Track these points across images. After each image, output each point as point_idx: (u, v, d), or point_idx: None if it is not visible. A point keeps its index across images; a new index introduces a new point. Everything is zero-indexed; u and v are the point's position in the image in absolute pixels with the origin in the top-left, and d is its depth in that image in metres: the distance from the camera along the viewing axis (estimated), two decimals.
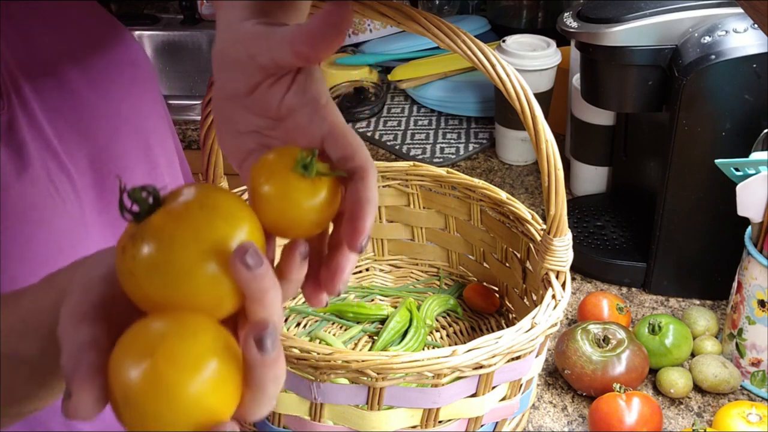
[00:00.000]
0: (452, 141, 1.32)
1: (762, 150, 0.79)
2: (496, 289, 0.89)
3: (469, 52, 0.54)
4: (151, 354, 0.31)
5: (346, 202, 0.39)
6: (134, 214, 0.34)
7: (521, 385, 0.67)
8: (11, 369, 0.41)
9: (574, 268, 0.97)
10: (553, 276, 0.67)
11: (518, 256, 0.81)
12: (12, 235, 0.54)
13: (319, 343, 0.80)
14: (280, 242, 0.39)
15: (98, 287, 0.35)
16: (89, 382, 0.32)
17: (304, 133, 0.41)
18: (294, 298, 0.91)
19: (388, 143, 1.32)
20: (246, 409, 0.34)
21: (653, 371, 0.82)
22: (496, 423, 0.69)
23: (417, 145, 1.31)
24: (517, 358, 0.63)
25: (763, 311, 0.77)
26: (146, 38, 1.84)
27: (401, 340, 0.83)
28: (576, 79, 1.05)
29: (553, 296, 0.65)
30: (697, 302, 0.93)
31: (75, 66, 0.62)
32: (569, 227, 0.65)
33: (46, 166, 0.57)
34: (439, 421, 0.64)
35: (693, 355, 0.84)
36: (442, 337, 0.87)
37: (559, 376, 0.83)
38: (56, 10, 0.63)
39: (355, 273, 0.96)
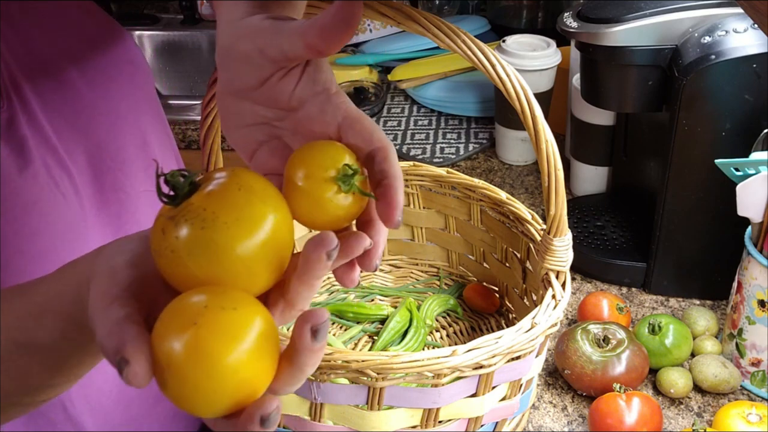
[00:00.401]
0: (452, 141, 1.32)
1: (762, 150, 0.79)
2: (496, 289, 0.89)
3: (469, 52, 0.54)
4: (193, 323, 0.33)
5: (374, 182, 0.41)
6: (171, 197, 0.36)
7: (521, 385, 0.67)
8: (28, 356, 0.42)
9: (574, 268, 0.97)
10: (553, 276, 0.67)
11: (518, 256, 0.81)
12: (15, 229, 0.55)
13: None
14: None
15: (124, 271, 0.37)
16: (141, 348, 0.33)
17: (318, 122, 0.42)
18: None
19: None
20: (280, 384, 0.36)
21: (653, 371, 0.82)
22: (496, 423, 0.69)
23: (417, 145, 1.31)
24: (517, 358, 0.63)
25: (763, 311, 0.77)
26: (146, 38, 1.84)
27: (401, 340, 0.83)
28: (576, 79, 1.05)
29: (553, 296, 0.65)
30: (697, 302, 0.93)
31: (73, 65, 0.62)
32: (569, 227, 0.65)
33: (46, 162, 0.58)
34: (439, 421, 0.64)
35: (693, 355, 0.84)
36: (442, 337, 0.87)
37: (559, 376, 0.83)
38: (54, 10, 0.63)
39: None
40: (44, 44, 0.61)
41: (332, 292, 0.93)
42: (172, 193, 0.36)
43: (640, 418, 0.72)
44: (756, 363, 0.80)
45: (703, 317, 0.87)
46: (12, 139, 0.56)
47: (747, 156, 0.78)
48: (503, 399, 0.66)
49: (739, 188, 0.76)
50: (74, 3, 0.65)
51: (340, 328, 0.87)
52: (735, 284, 0.81)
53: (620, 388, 0.74)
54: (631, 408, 0.72)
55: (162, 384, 0.34)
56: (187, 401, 0.33)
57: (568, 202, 0.62)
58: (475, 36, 0.55)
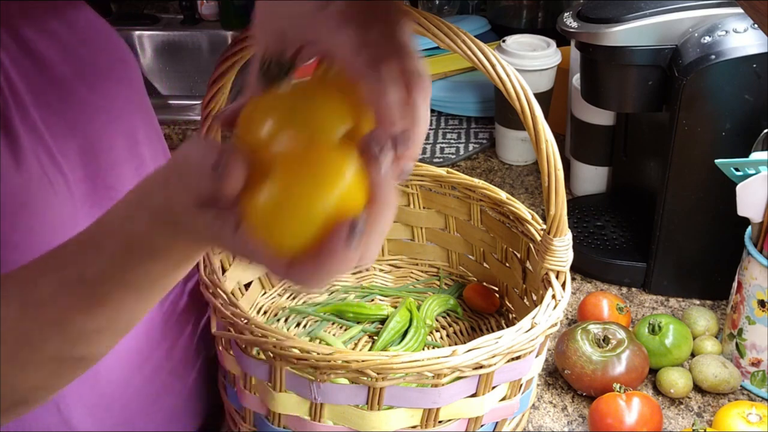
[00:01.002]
0: (452, 141, 1.32)
1: (762, 150, 0.79)
2: (496, 289, 0.89)
3: (469, 52, 0.54)
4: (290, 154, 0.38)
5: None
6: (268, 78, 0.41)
7: (521, 385, 0.67)
8: (73, 295, 0.44)
9: (574, 268, 0.97)
10: (553, 276, 0.67)
11: (518, 256, 0.81)
12: (10, 225, 0.55)
13: (319, 343, 0.81)
14: None
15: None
16: (237, 157, 0.37)
17: None
18: (294, 298, 0.91)
19: None
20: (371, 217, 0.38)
21: (653, 371, 0.82)
22: (496, 423, 0.69)
23: None
24: (517, 358, 0.63)
25: (763, 311, 0.77)
26: (146, 38, 1.84)
27: (401, 340, 0.83)
28: (576, 79, 1.05)
29: (553, 296, 0.65)
30: (697, 302, 0.93)
31: (66, 62, 0.63)
32: (569, 227, 0.65)
33: (39, 159, 0.58)
34: (439, 421, 0.64)
35: (693, 355, 0.84)
36: (442, 337, 0.87)
37: (559, 376, 0.83)
38: (49, 10, 0.63)
39: (354, 273, 0.96)
40: (36, 40, 0.61)
41: (332, 293, 0.93)
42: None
43: (640, 418, 0.72)
44: (756, 363, 0.80)
45: (703, 317, 0.87)
46: (6, 135, 0.56)
47: (747, 156, 0.78)
48: (503, 399, 0.66)
49: (739, 188, 0.76)
50: (68, 3, 0.65)
51: (340, 328, 0.87)
52: (735, 284, 0.81)
53: (620, 388, 0.74)
54: (631, 408, 0.72)
55: (257, 206, 0.37)
56: (278, 226, 0.36)
57: (568, 202, 0.62)
58: (475, 36, 0.55)
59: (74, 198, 0.62)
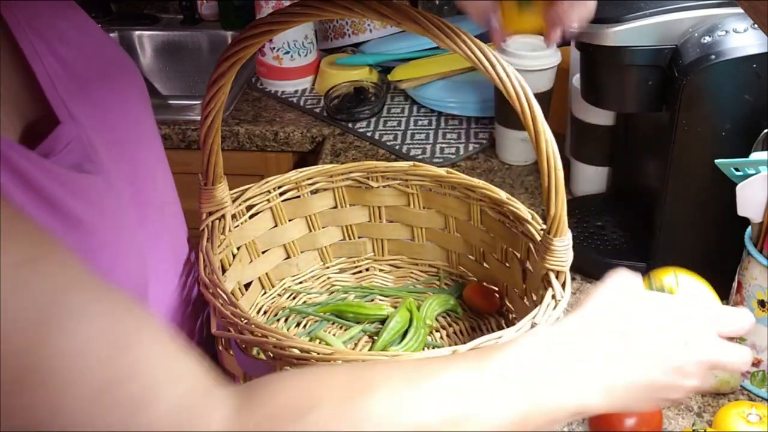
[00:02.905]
0: (452, 141, 1.32)
1: (762, 150, 0.79)
2: (496, 289, 0.89)
3: (469, 52, 0.54)
4: None
5: None
6: None
7: None
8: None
9: (574, 268, 0.96)
10: (553, 276, 0.67)
11: (518, 256, 0.81)
12: (107, 257, 0.55)
13: (319, 343, 0.80)
14: None
15: None
16: None
17: None
18: (294, 298, 0.91)
19: (388, 143, 1.32)
20: None
21: None
22: None
23: (417, 145, 1.31)
24: None
25: (763, 311, 0.77)
26: (146, 38, 1.84)
27: (401, 340, 0.83)
28: (576, 79, 1.05)
29: (553, 296, 0.65)
30: None
31: (85, 64, 0.62)
32: (569, 227, 0.65)
33: (107, 179, 0.58)
34: None
35: None
36: (442, 337, 0.87)
37: None
38: (56, 12, 0.63)
39: (354, 273, 0.96)
40: (77, 62, 0.61)
41: (332, 292, 0.93)
42: None
43: (640, 419, 0.72)
44: (756, 363, 0.80)
45: None
46: (89, 161, 0.56)
47: (747, 156, 0.78)
48: None
49: (739, 188, 0.76)
50: (71, 10, 0.65)
51: (340, 328, 0.87)
52: (735, 284, 0.81)
53: None
54: None
55: None
56: None
57: (568, 202, 0.62)
58: (475, 36, 0.55)
59: (131, 217, 0.62)
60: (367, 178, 0.89)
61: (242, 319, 0.62)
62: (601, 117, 1.05)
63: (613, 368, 0.51)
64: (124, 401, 0.40)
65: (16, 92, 0.56)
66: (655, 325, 0.53)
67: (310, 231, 0.91)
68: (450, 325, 0.88)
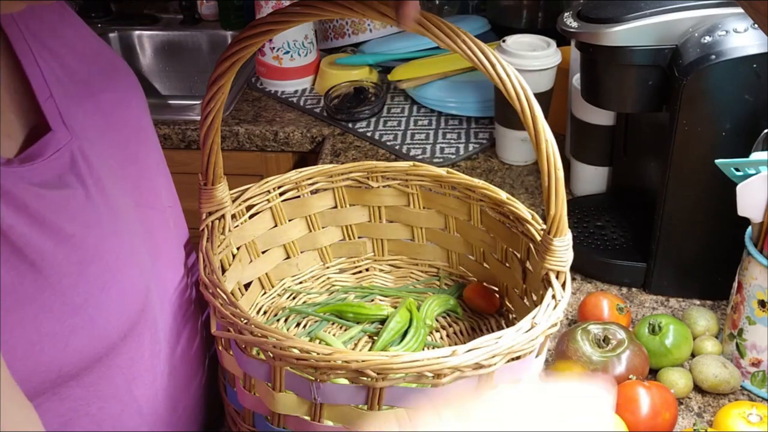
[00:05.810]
0: (452, 141, 1.32)
1: (762, 150, 0.79)
2: (496, 289, 0.89)
3: (469, 52, 0.54)
4: None
5: None
6: None
7: None
8: None
9: (574, 268, 0.96)
10: (553, 276, 0.67)
11: (518, 256, 0.81)
12: (97, 270, 0.56)
13: (319, 343, 0.80)
14: None
15: None
16: None
17: None
18: (294, 298, 0.91)
19: (388, 143, 1.32)
20: None
21: (653, 371, 0.82)
22: None
23: (417, 145, 1.31)
24: (517, 358, 0.62)
25: (763, 311, 0.77)
26: (146, 38, 1.84)
27: (401, 340, 0.83)
28: (576, 79, 1.05)
29: (553, 296, 0.65)
30: (697, 302, 0.93)
31: (86, 69, 0.62)
32: (569, 227, 0.65)
33: (100, 189, 0.58)
34: None
35: (693, 355, 0.84)
36: (442, 338, 0.87)
37: None
38: (54, 17, 0.63)
39: (354, 273, 0.96)
40: (75, 67, 0.61)
41: (332, 292, 0.93)
42: None
43: (652, 410, 0.72)
44: (756, 363, 0.80)
45: (703, 317, 0.87)
46: (77, 172, 0.56)
47: (747, 156, 0.78)
48: None
49: (739, 188, 0.76)
50: (67, 18, 0.65)
51: (340, 328, 0.87)
52: (735, 284, 0.81)
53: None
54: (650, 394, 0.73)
55: None
56: None
57: (568, 202, 0.62)
58: (475, 36, 0.55)
59: (129, 224, 0.62)
60: (367, 178, 0.89)
61: (242, 319, 0.62)
62: (601, 117, 1.05)
63: None
64: None
65: (11, 98, 0.56)
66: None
67: (310, 231, 0.91)
68: (450, 326, 0.88)
